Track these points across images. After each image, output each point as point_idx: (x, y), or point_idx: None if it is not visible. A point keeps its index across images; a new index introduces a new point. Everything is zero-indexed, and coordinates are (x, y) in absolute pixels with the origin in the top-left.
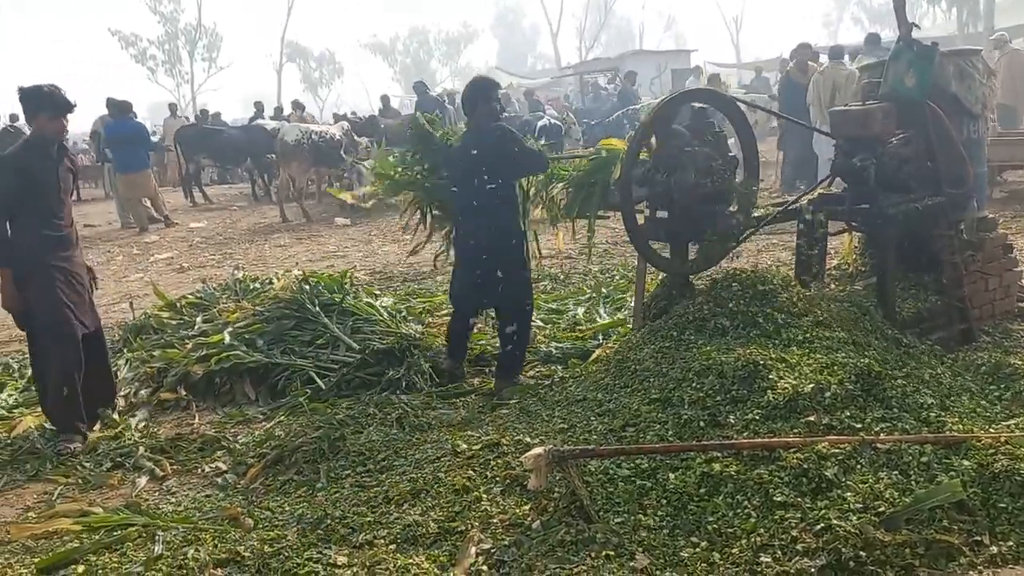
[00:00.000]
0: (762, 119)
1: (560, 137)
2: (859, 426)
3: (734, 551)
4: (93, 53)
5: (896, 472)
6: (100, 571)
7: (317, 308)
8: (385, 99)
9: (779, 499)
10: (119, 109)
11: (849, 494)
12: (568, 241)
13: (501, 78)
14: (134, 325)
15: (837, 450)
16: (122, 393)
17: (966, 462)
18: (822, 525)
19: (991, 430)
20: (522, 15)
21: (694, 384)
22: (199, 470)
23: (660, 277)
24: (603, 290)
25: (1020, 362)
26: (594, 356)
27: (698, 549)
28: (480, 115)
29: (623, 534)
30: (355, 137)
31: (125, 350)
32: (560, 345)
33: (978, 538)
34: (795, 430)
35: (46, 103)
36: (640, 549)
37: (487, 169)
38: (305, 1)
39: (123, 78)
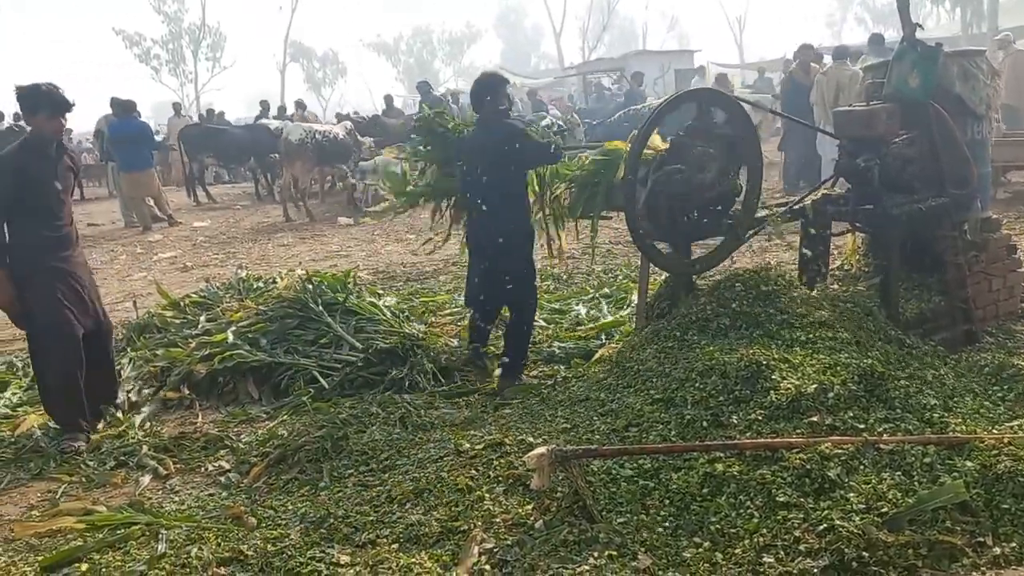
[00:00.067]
0: (766, 120)
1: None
2: (862, 427)
3: (737, 551)
4: (93, 53)
5: (899, 473)
6: (103, 569)
7: (320, 307)
8: (388, 99)
9: (782, 499)
10: (123, 108)
11: (852, 495)
12: (571, 241)
13: None
14: (138, 324)
15: (840, 451)
16: (126, 390)
17: (969, 463)
18: (825, 525)
19: (994, 431)
20: (524, 15)
21: (697, 384)
22: (202, 469)
23: (664, 277)
24: (606, 290)
25: (1023, 363)
26: (597, 356)
27: (701, 549)
28: (488, 110)
29: (626, 534)
30: (359, 137)
31: (129, 349)
32: (563, 345)
33: (981, 539)
34: (798, 430)
35: (44, 102)
36: (643, 549)
37: (495, 163)
38: (309, 1)
39: (123, 78)
